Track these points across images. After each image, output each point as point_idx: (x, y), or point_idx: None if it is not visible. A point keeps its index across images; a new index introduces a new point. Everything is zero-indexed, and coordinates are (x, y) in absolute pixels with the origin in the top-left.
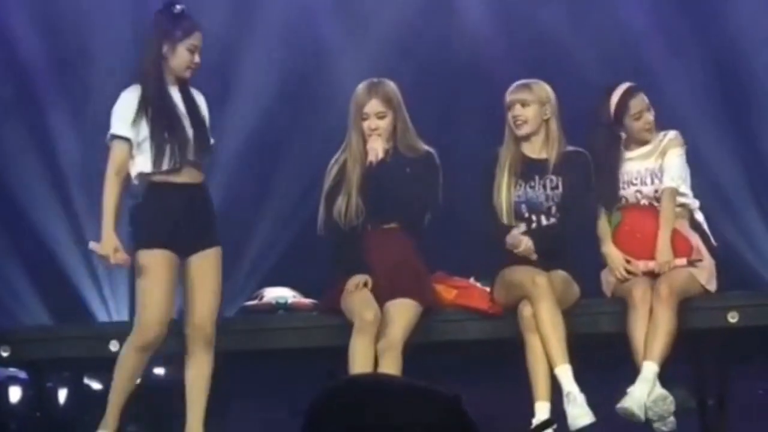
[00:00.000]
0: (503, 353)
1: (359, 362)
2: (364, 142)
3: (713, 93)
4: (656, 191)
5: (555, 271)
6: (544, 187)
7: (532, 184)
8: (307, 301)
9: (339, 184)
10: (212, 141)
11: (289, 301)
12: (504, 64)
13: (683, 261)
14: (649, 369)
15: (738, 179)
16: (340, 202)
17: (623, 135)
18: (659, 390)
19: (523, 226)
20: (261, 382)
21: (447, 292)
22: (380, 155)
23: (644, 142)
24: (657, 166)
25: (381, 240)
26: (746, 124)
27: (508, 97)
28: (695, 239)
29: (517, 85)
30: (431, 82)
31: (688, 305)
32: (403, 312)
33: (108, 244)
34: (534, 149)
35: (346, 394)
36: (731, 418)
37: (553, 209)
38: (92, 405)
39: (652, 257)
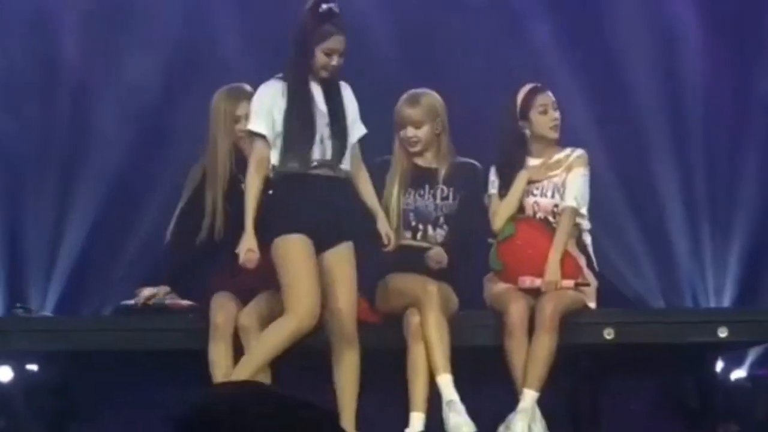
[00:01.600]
0: (381, 363)
1: (218, 367)
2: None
3: (601, 106)
4: (555, 206)
5: (440, 283)
6: (434, 196)
7: (422, 192)
8: (185, 302)
9: None
10: (357, 135)
11: (166, 301)
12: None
13: (570, 283)
14: (529, 397)
15: (618, 195)
16: None
17: (528, 133)
18: (538, 420)
19: (408, 235)
20: (132, 383)
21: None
22: None
23: (549, 146)
24: (560, 181)
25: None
26: (630, 141)
27: (399, 114)
28: (581, 261)
29: (407, 101)
30: None
31: (565, 320)
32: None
33: (248, 242)
34: (425, 159)
35: (216, 406)
36: None
37: (441, 219)
38: None
39: (540, 275)
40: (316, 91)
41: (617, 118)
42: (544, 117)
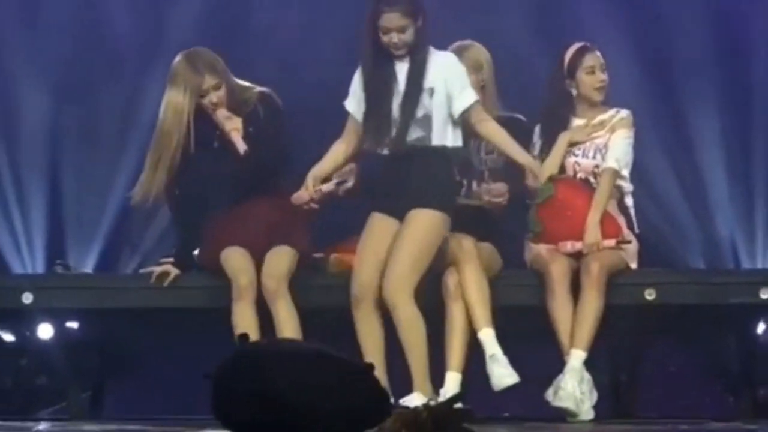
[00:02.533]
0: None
1: (243, 328)
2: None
3: (643, 74)
4: (596, 167)
5: (481, 243)
6: (479, 150)
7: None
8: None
9: None
10: (459, 108)
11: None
12: None
13: (612, 242)
14: (577, 357)
15: (660, 156)
16: None
17: (574, 92)
18: (586, 380)
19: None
20: (170, 340)
21: (353, 257)
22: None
23: (594, 107)
24: (603, 142)
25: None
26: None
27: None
28: (622, 222)
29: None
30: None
31: (607, 280)
32: (280, 258)
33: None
34: None
35: (254, 360)
36: (643, 395)
37: (486, 174)
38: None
39: (579, 238)
40: (399, 69)
41: (663, 78)
42: (591, 77)
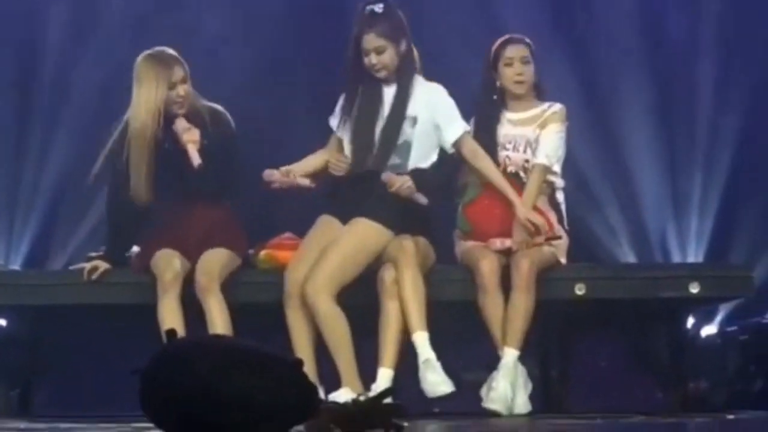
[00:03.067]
0: (353, 319)
1: (168, 322)
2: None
3: (574, 68)
4: (526, 161)
5: (417, 237)
6: None
7: None
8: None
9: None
10: (449, 138)
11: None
12: None
13: (541, 239)
14: (511, 356)
15: (590, 149)
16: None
17: (498, 84)
18: (522, 378)
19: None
20: (98, 337)
21: (285, 253)
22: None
23: (526, 100)
24: (534, 136)
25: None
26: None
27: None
28: (552, 217)
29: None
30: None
31: (537, 276)
32: (213, 256)
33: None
34: None
35: (182, 355)
36: (573, 390)
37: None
38: None
39: (509, 235)
40: (385, 93)
41: (594, 72)
42: (509, 70)
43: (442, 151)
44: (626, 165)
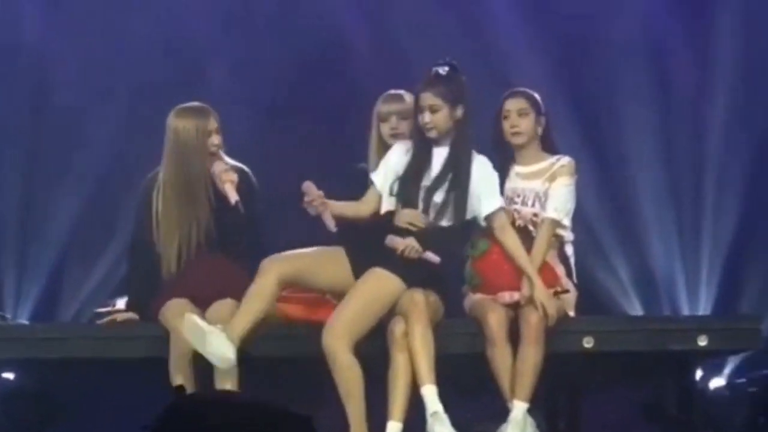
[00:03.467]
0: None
1: (180, 379)
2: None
3: (586, 122)
4: (535, 215)
5: (428, 291)
6: None
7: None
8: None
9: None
10: (480, 211)
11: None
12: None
13: (550, 292)
14: (520, 410)
15: (596, 202)
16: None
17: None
18: (530, 422)
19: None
20: (109, 390)
21: (294, 307)
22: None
23: (534, 153)
24: (543, 190)
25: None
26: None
27: (383, 108)
28: (560, 271)
29: (390, 96)
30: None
31: (546, 328)
32: (225, 308)
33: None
34: None
35: (192, 412)
36: None
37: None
38: None
39: (517, 288)
40: (435, 154)
41: (598, 123)
42: (506, 122)
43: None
44: (635, 217)
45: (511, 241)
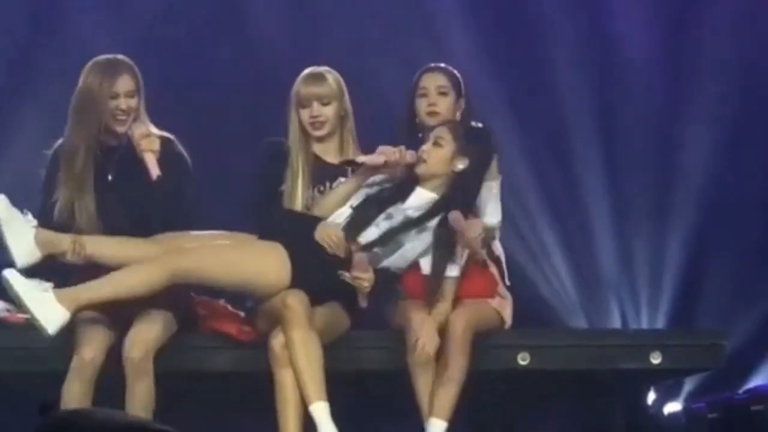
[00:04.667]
0: (255, 387)
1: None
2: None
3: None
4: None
5: (330, 303)
6: None
7: (322, 189)
8: (22, 316)
9: None
10: None
11: (2, 315)
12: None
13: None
14: (437, 429)
15: (534, 202)
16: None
17: (417, 120)
18: None
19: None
20: None
21: (230, 326)
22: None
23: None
24: None
25: None
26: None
27: (303, 90)
28: (495, 273)
29: (310, 76)
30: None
31: (475, 341)
32: (149, 328)
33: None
34: (328, 151)
35: None
36: None
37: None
38: None
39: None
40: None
41: (538, 119)
42: (422, 100)
43: None
44: (579, 217)
45: None
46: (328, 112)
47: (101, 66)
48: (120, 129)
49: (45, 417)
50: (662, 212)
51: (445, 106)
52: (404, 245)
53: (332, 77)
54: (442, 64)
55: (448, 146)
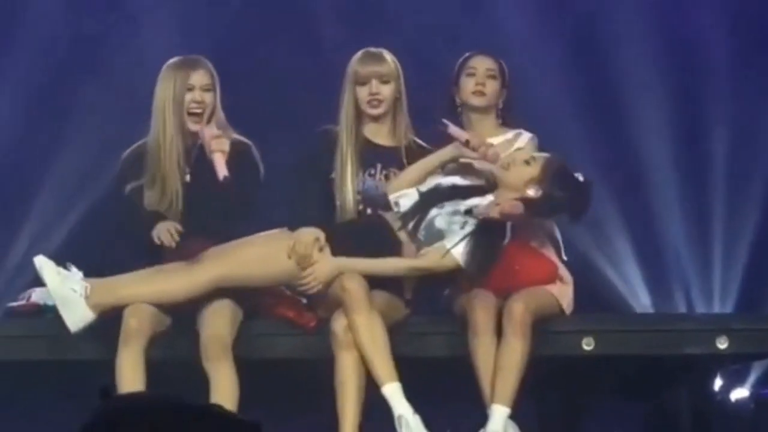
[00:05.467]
0: (316, 373)
1: (127, 378)
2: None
3: (581, 95)
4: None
5: (374, 291)
6: (387, 177)
7: (372, 172)
8: (36, 303)
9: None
10: None
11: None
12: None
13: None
14: (500, 415)
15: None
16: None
17: (458, 101)
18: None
19: None
20: (25, 396)
21: (292, 313)
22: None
23: (487, 121)
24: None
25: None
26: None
27: (362, 68)
28: (552, 255)
29: (368, 55)
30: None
31: (536, 327)
32: (221, 314)
33: None
34: (379, 133)
35: (122, 419)
36: None
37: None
38: None
39: (502, 273)
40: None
41: (600, 97)
42: (470, 80)
43: None
44: (644, 199)
45: None
46: (387, 91)
47: (177, 63)
48: (194, 126)
49: (104, 401)
50: (731, 194)
51: (492, 89)
52: (445, 238)
53: (390, 57)
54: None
55: (535, 170)
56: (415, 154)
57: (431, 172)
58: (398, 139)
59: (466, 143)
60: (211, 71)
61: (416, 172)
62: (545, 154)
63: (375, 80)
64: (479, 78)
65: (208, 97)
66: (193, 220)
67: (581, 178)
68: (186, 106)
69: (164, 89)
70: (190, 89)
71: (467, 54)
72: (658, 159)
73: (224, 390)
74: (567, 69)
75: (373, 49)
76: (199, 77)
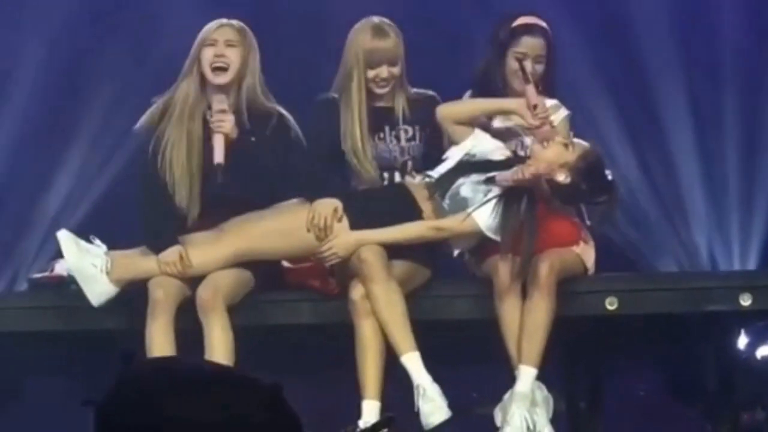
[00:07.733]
0: (338, 339)
1: (159, 349)
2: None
3: (609, 68)
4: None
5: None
6: (397, 138)
7: (381, 135)
8: (59, 274)
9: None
10: None
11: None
12: None
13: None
14: (527, 376)
15: (618, 144)
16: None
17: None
18: (541, 399)
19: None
20: (55, 363)
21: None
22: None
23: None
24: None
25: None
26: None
27: (371, 50)
28: (573, 215)
29: (375, 32)
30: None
31: (561, 287)
32: (221, 272)
33: None
34: (380, 97)
35: (142, 384)
36: (607, 423)
37: (410, 164)
38: None
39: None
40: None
41: (624, 63)
42: (513, 64)
43: None
44: (665, 159)
45: None
46: (396, 72)
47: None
48: (217, 80)
49: (126, 366)
50: (752, 150)
51: (539, 73)
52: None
53: (394, 32)
54: (542, 24)
55: (571, 156)
56: (417, 105)
57: (485, 114)
58: (397, 97)
59: (534, 107)
60: (238, 30)
61: (472, 107)
62: (585, 143)
63: (386, 65)
64: (527, 66)
65: (232, 53)
66: (232, 180)
67: (610, 177)
68: (209, 60)
69: (192, 50)
70: (213, 44)
71: (516, 23)
72: (678, 113)
73: (216, 342)
74: (595, 46)
75: (376, 23)
76: (223, 32)
